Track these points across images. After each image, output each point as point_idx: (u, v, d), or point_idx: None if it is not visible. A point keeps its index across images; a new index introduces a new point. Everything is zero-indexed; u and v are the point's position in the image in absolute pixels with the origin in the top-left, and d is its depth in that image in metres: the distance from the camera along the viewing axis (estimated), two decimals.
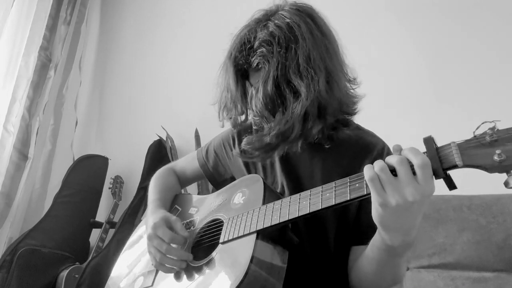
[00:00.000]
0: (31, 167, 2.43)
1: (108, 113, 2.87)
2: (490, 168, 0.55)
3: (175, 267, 0.87)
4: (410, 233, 0.65)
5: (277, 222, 0.75)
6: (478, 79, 1.75)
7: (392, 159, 0.60)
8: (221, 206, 0.95)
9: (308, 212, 0.71)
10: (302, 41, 0.82)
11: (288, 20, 0.84)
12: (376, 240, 0.72)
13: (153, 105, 2.68)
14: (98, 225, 2.34)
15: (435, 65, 1.86)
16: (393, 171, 0.60)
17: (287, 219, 0.74)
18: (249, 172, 1.02)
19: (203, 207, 1.03)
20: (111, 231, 2.27)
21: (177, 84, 2.63)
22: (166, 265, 0.87)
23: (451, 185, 0.59)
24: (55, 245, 2.19)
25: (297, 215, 0.73)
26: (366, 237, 0.81)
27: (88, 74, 2.97)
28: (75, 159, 2.56)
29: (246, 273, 0.71)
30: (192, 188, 2.18)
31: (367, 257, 0.78)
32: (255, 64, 0.84)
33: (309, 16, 0.87)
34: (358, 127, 0.98)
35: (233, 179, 1.05)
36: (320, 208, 0.70)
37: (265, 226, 0.76)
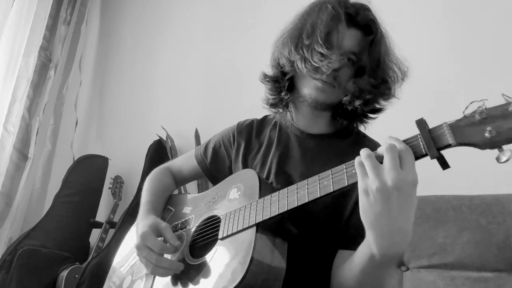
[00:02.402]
0: (31, 167, 2.44)
1: (108, 113, 2.87)
2: (482, 144, 0.56)
3: (168, 274, 0.86)
4: (394, 240, 0.61)
5: (276, 213, 0.75)
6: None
7: (381, 148, 0.62)
8: (217, 202, 0.95)
9: (307, 201, 0.71)
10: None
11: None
12: (362, 244, 0.71)
13: (153, 105, 2.68)
14: (98, 225, 2.34)
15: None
16: (381, 160, 0.61)
17: (286, 209, 0.73)
18: None
19: (197, 205, 1.02)
20: (111, 231, 2.27)
21: (177, 84, 2.63)
22: (159, 272, 0.86)
23: (444, 164, 0.60)
24: (55, 245, 2.19)
25: (296, 205, 0.72)
26: (353, 242, 0.80)
27: (88, 74, 2.98)
28: (75, 159, 2.57)
29: (249, 267, 0.71)
30: (192, 189, 2.18)
31: (351, 262, 0.76)
32: (366, 20, 0.89)
33: None
34: (359, 133, 1.01)
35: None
36: (319, 196, 0.69)
37: (264, 218, 0.76)
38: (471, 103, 0.58)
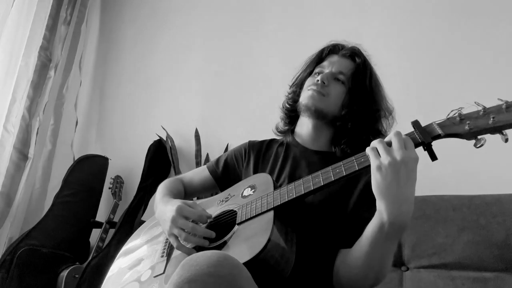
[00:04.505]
0: (31, 167, 2.43)
1: (108, 113, 2.87)
2: (464, 134, 0.74)
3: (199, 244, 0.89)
4: (402, 207, 0.72)
5: (294, 197, 0.83)
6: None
7: (390, 135, 0.77)
8: (230, 200, 1.00)
9: (322, 184, 0.81)
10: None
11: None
12: (372, 220, 0.79)
13: (153, 105, 2.68)
14: (98, 225, 2.34)
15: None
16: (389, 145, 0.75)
17: (303, 193, 0.83)
18: None
19: (208, 206, 1.06)
20: (111, 231, 2.27)
21: (177, 84, 2.63)
22: (191, 241, 0.89)
23: (433, 156, 0.76)
24: (55, 245, 2.19)
25: (312, 189, 0.82)
26: (353, 241, 0.85)
27: (88, 74, 2.97)
28: (75, 159, 2.56)
29: (270, 237, 0.76)
30: None
31: (360, 240, 0.83)
32: (352, 51, 1.13)
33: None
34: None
35: None
36: (333, 179, 0.80)
37: (282, 202, 0.84)
38: (451, 111, 0.76)
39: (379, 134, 1.09)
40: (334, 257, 0.91)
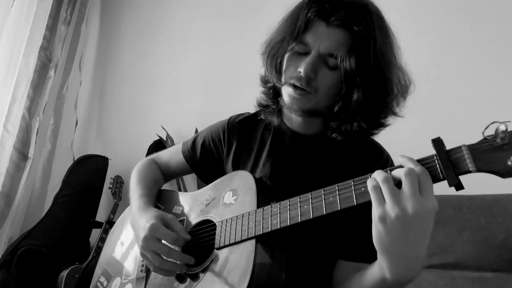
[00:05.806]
0: (31, 167, 2.43)
1: (108, 113, 2.87)
2: (505, 173, 0.52)
3: (175, 271, 0.81)
4: (410, 266, 0.59)
5: (278, 227, 0.71)
6: (481, 78, 1.75)
7: (400, 171, 0.57)
8: (210, 205, 0.90)
9: (311, 217, 0.66)
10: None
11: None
12: (374, 267, 0.67)
13: (153, 105, 2.68)
14: (98, 225, 2.34)
15: (437, 62, 1.86)
16: (398, 184, 0.57)
17: (288, 224, 0.69)
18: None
19: (188, 207, 0.97)
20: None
21: (177, 84, 2.63)
22: (166, 268, 0.80)
23: (459, 186, 0.56)
24: (55, 245, 2.19)
25: (299, 220, 0.68)
26: (356, 254, 0.79)
27: (88, 74, 2.97)
28: (75, 159, 2.56)
29: (250, 281, 0.69)
30: (192, 188, 2.18)
31: (360, 280, 0.72)
32: (346, 17, 0.76)
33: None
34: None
35: (221, 173, 0.97)
36: (324, 213, 0.64)
37: (264, 231, 0.72)
38: (491, 123, 0.53)
39: (391, 111, 0.85)
40: (332, 267, 0.84)
